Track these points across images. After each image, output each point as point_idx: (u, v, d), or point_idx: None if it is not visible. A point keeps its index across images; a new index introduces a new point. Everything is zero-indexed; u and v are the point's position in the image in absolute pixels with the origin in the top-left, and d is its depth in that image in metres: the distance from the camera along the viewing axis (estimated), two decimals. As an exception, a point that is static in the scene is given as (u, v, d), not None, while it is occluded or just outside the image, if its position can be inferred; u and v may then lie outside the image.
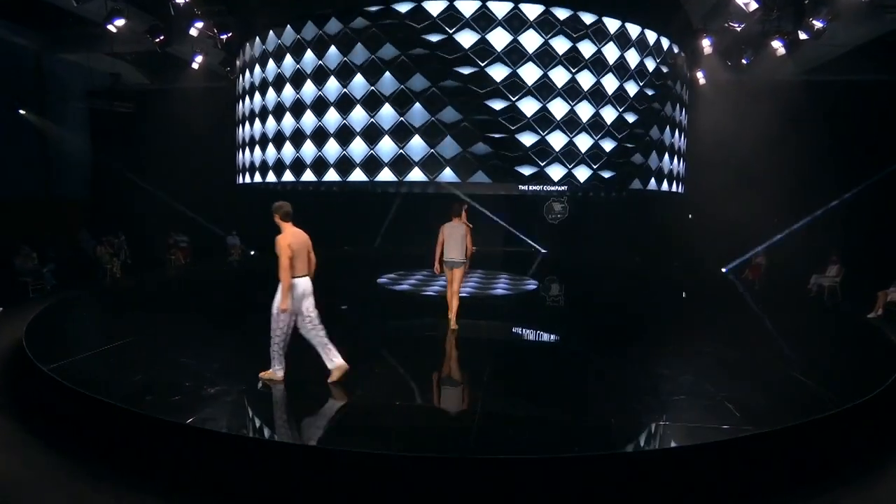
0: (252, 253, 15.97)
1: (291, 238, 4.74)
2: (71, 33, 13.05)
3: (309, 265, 4.90)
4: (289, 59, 10.56)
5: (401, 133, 9.89)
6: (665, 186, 11.47)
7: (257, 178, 11.58)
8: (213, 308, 8.76)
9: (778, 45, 10.55)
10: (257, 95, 11.36)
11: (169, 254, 14.05)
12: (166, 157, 14.66)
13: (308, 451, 3.73)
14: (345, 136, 10.09)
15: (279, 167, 10.80)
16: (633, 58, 10.34)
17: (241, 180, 12.65)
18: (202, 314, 8.18)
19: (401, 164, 9.93)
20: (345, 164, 10.15)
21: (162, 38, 10.57)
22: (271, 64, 10.87)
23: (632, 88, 10.44)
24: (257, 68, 11.23)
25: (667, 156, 11.45)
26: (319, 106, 10.19)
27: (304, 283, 4.83)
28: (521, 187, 16.80)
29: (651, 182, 11.03)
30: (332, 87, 10.08)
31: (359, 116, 9.98)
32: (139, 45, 11.76)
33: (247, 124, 11.95)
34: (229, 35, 11.30)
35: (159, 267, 13.30)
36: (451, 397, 4.89)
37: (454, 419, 4.38)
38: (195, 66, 12.10)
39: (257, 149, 11.32)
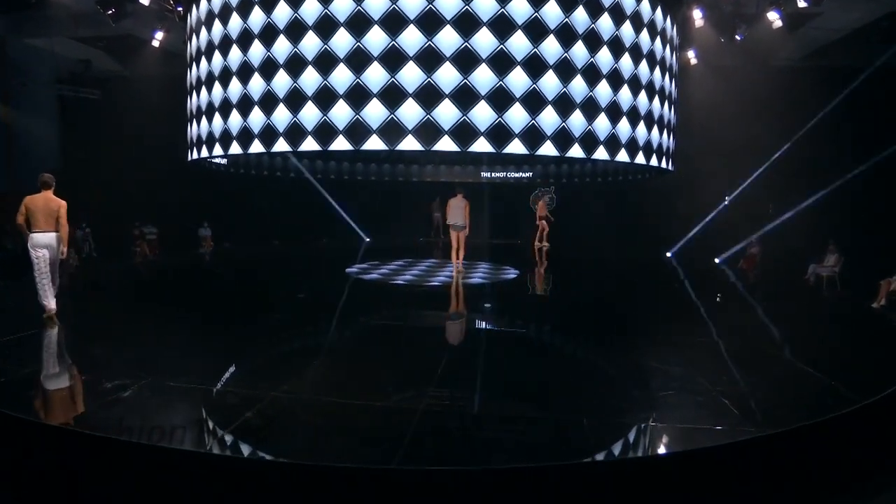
0: (226, 245, 15.21)
1: (31, 201, 5.91)
2: (36, 16, 12.29)
3: (59, 226, 5.98)
4: (257, 12, 9.23)
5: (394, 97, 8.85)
6: (653, 162, 10.44)
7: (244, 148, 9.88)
8: (155, 301, 7.87)
9: (774, 17, 9.81)
10: (217, 55, 9.91)
11: (134, 245, 13.26)
12: (137, 146, 13.89)
13: (187, 457, 2.88)
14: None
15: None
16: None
17: (193, 156, 11.12)
18: (140, 307, 7.29)
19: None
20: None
21: (114, 10, 9.75)
22: (235, 18, 9.50)
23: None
24: (217, 24, 9.81)
25: (656, 128, 10.47)
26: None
27: (42, 237, 5.92)
28: (484, 174, 16.16)
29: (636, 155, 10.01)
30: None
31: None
32: (105, 28, 11.41)
33: (203, 90, 10.44)
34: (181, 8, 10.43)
35: (123, 259, 12.50)
36: (390, 393, 4.04)
37: (388, 420, 3.53)
38: (156, 43, 11.37)
39: (234, 115, 9.77)
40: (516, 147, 8.95)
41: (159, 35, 11.46)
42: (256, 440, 3.26)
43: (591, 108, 9.39)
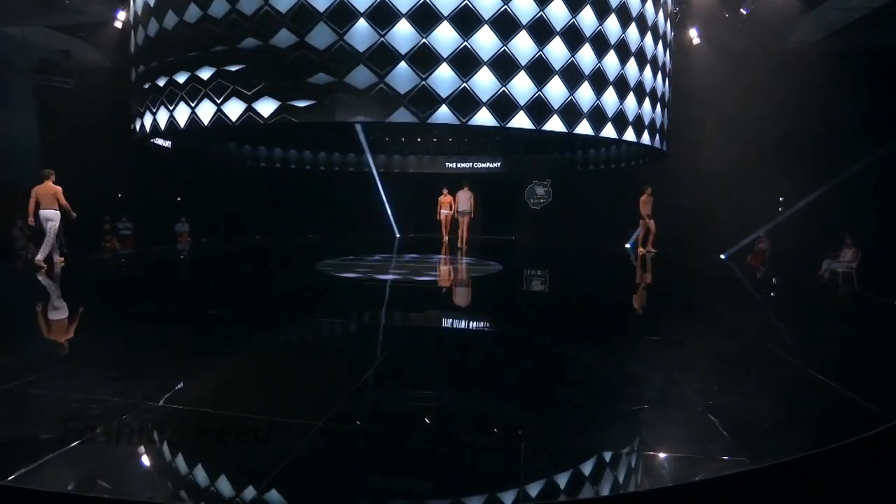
0: (203, 240, 14.63)
1: (38, 189, 7.89)
2: (7, 3, 11.92)
3: (59, 206, 7.92)
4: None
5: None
6: (637, 138, 9.60)
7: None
8: (84, 297, 7.08)
9: (785, -13, 9.01)
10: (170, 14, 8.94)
11: (104, 240, 12.69)
12: (116, 138, 13.44)
13: None
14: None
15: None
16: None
17: (136, 125, 10.18)
18: (60, 303, 6.51)
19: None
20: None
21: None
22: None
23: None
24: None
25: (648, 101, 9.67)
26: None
27: (47, 212, 7.86)
28: (449, 164, 15.45)
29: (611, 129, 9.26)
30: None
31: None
32: (77, 15, 11.53)
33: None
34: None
35: (91, 254, 11.92)
36: (292, 404, 3.23)
37: (269, 440, 2.71)
38: (118, 24, 10.84)
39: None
40: (521, 121, 8.16)
41: (121, 15, 10.95)
42: (80, 467, 2.48)
43: (599, 82, 8.68)
